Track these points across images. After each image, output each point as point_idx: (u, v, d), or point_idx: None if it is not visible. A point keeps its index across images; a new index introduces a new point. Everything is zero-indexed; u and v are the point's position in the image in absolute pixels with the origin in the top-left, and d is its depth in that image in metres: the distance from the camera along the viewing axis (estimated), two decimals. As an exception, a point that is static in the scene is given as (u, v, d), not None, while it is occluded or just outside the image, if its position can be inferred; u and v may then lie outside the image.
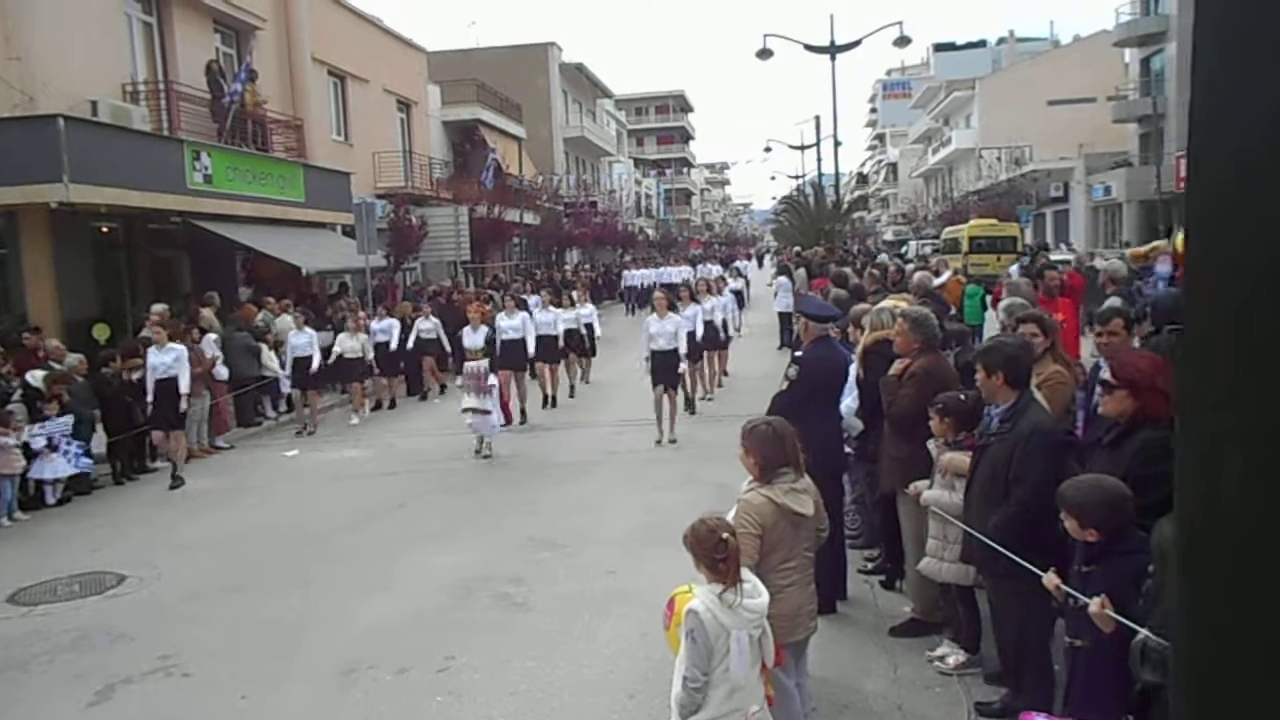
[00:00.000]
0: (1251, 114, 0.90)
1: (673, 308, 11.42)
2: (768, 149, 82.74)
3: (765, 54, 24.10)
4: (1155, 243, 21.10)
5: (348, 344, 13.73)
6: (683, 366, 11.15)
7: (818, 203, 34.45)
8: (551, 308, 14.23)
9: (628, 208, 55.22)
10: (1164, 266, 10.70)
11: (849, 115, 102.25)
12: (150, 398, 10.37)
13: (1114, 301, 7.15)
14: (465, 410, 10.66)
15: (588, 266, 36.58)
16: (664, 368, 10.90)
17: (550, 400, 13.81)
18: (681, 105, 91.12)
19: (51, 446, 9.57)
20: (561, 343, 14.26)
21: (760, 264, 53.33)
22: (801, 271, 18.70)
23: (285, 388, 13.56)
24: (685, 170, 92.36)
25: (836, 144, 31.36)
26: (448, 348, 14.79)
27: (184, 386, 10.36)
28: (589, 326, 15.30)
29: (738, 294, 22.39)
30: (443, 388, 15.54)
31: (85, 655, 5.86)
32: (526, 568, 6.98)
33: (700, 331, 12.48)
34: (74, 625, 6.36)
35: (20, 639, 6.17)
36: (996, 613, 4.47)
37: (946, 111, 59.28)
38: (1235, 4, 0.94)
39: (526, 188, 34.32)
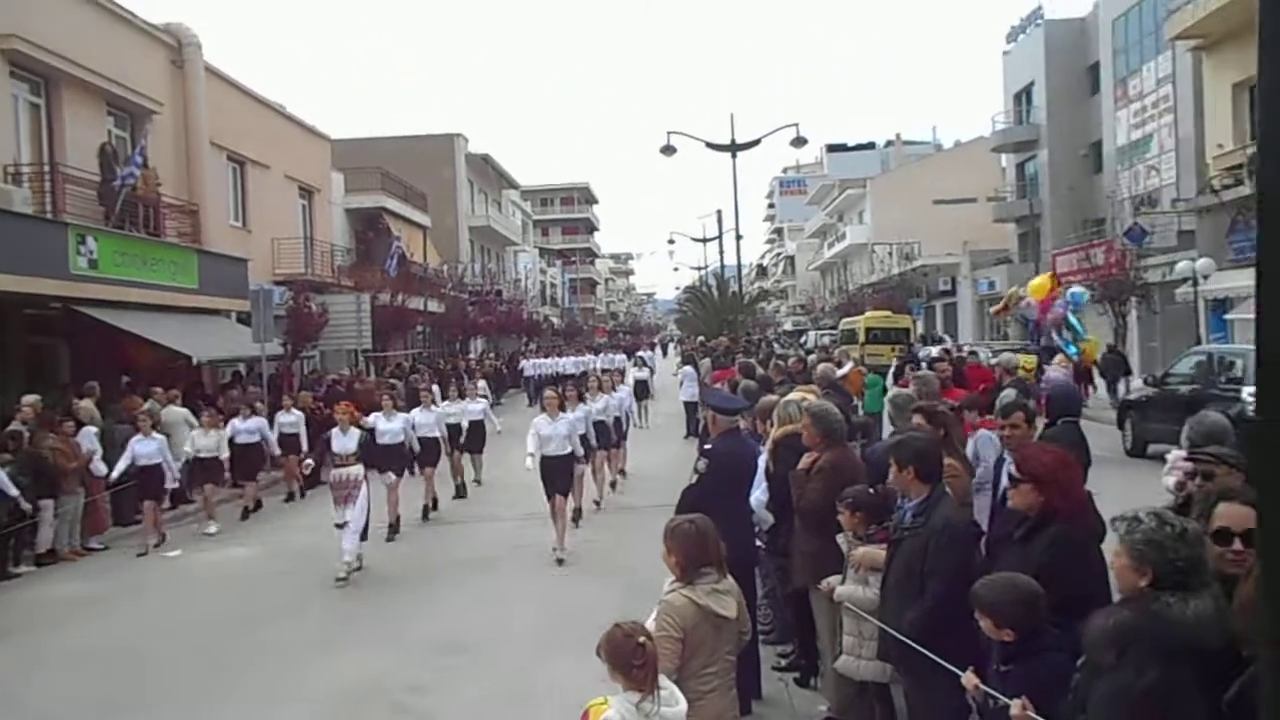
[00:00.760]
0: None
1: (563, 407, 10.37)
2: (671, 241, 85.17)
3: (669, 150, 24.81)
4: (1011, 290, 21.88)
5: (201, 442, 12.31)
6: (580, 469, 10.33)
7: (720, 294, 35.21)
8: (433, 407, 13.15)
9: (533, 296, 55.36)
10: (1056, 373, 11.22)
11: (749, 209, 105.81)
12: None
13: (1010, 394, 7.40)
14: (338, 526, 9.41)
15: (492, 355, 36.28)
16: (556, 474, 9.84)
17: (431, 505, 12.49)
18: (586, 197, 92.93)
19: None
20: (446, 442, 13.23)
21: (665, 353, 53.93)
22: (706, 361, 18.90)
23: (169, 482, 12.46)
24: (590, 260, 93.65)
25: (738, 237, 32.39)
26: (303, 446, 13.47)
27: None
28: (475, 424, 14.09)
29: (643, 384, 22.50)
30: (303, 491, 14.11)
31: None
32: (427, 673, 6.62)
33: (591, 433, 11.57)
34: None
35: None
36: (914, 710, 4.40)
37: (840, 208, 61.99)
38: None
39: (431, 276, 34.07)
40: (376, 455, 11.25)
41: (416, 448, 12.09)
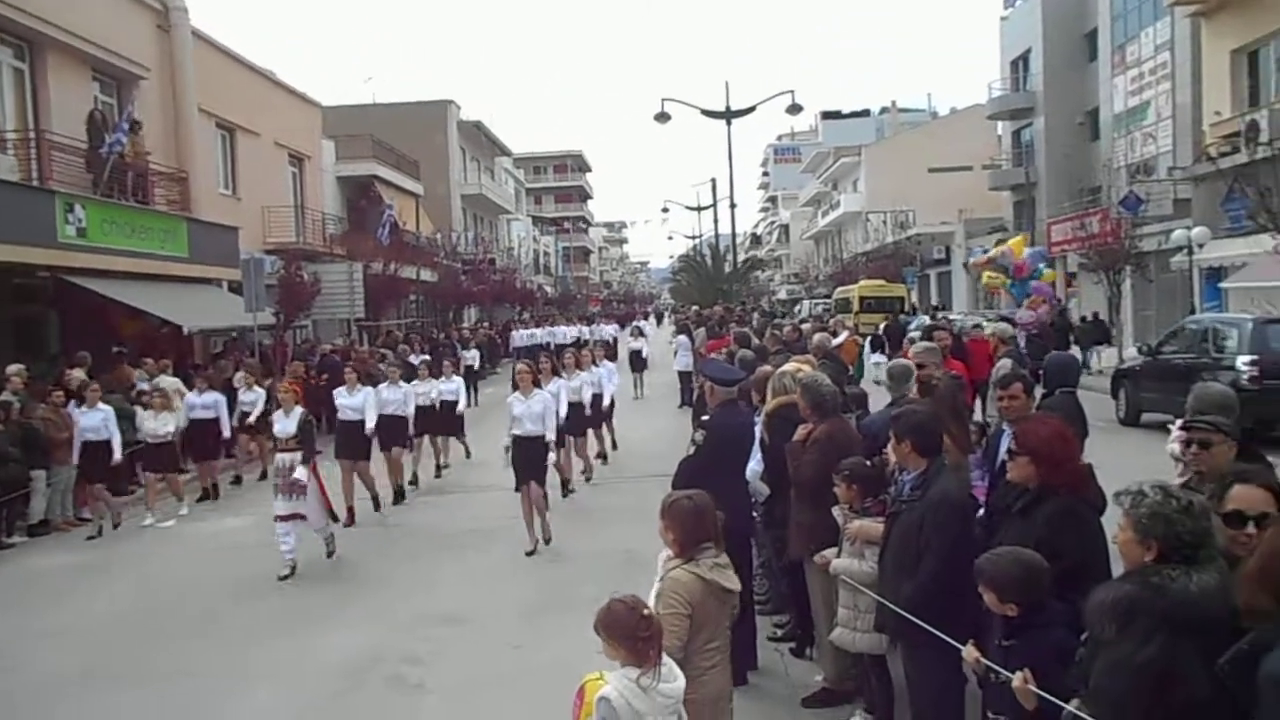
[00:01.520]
0: None
1: (538, 383, 9.40)
2: (665, 209, 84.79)
3: (663, 117, 24.57)
4: (996, 249, 21.79)
5: (148, 425, 11.25)
6: (551, 456, 9.29)
7: (715, 262, 35.11)
8: (402, 383, 11.77)
9: (526, 265, 55.15)
10: (1026, 314, 11.14)
11: (743, 178, 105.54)
12: None
13: (1005, 364, 7.37)
14: (278, 519, 8.53)
15: (486, 324, 36.12)
16: (528, 457, 8.93)
17: (398, 494, 11.41)
18: (580, 165, 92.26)
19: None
20: (411, 425, 11.86)
21: (659, 322, 53.81)
22: (701, 331, 18.85)
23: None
24: (584, 228, 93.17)
25: (732, 206, 32.17)
26: (225, 429, 12.48)
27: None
28: (447, 404, 12.96)
29: (638, 354, 22.43)
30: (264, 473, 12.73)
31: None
32: (423, 646, 6.61)
33: (564, 411, 10.48)
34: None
35: None
36: (911, 682, 4.41)
37: (835, 176, 61.63)
38: None
39: (424, 245, 33.84)
40: (338, 435, 10.74)
41: (369, 427, 10.63)
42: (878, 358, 17.41)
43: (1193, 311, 20.15)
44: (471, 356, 23.19)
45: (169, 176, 18.27)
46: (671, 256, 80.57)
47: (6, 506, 10.37)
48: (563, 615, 6.90)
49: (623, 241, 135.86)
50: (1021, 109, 36.44)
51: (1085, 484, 3.90)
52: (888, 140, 57.70)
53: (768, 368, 7.12)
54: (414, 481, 12.14)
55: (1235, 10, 21.79)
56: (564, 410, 10.33)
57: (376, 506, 10.89)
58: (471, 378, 22.28)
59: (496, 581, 8.15)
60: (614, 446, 14.10)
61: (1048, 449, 3.72)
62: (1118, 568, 2.94)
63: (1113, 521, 2.98)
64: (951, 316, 27.00)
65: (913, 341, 9.62)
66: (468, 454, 13.87)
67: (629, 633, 3.04)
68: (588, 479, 12.12)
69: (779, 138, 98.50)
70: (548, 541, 8.99)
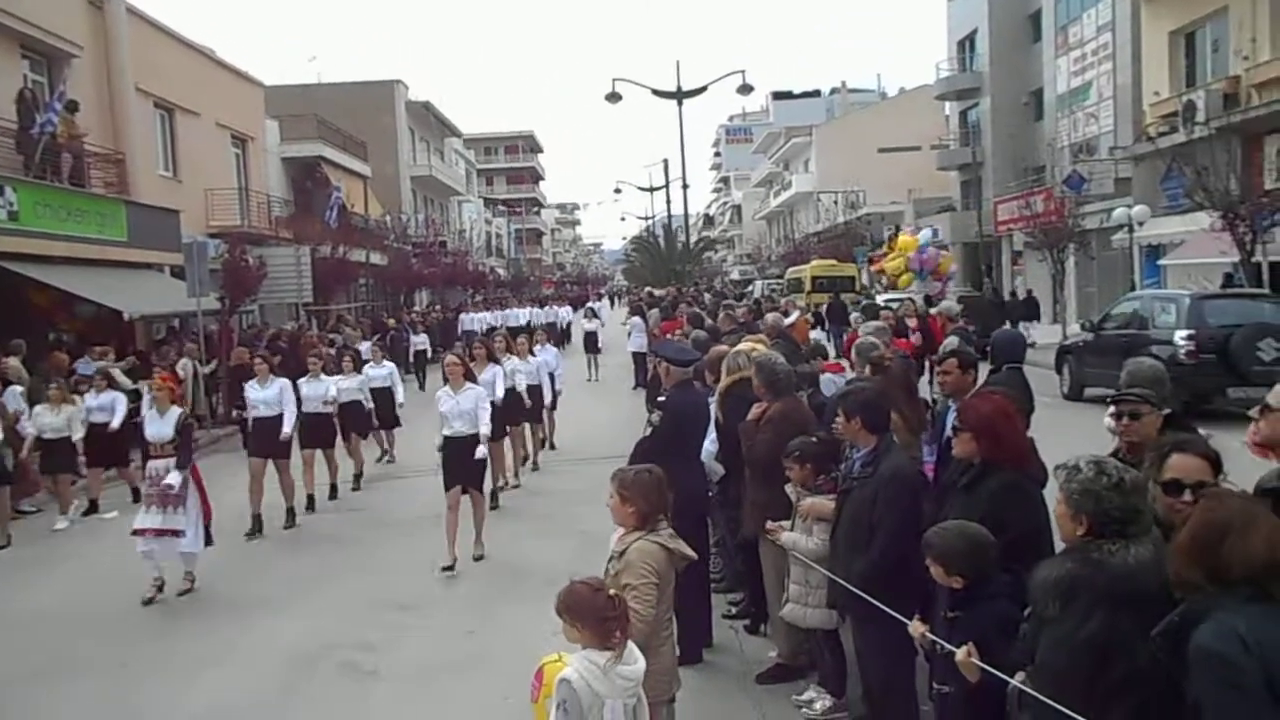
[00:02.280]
0: None
1: (470, 375, 8.44)
2: (617, 190, 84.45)
3: (614, 97, 24.46)
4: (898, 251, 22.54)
5: (46, 420, 10.32)
6: (481, 451, 8.12)
7: (668, 244, 35.13)
8: (324, 375, 10.80)
9: (478, 248, 54.60)
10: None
11: (695, 158, 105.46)
12: None
13: (952, 341, 7.50)
14: (137, 532, 7.41)
15: (438, 307, 35.74)
16: (460, 459, 8.00)
17: (309, 502, 10.21)
18: (531, 145, 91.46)
19: None
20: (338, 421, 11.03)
21: (613, 304, 53.68)
22: (655, 312, 18.85)
23: None
24: (536, 210, 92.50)
25: (685, 187, 32.19)
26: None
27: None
28: (379, 391, 11.95)
29: (592, 336, 22.39)
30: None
31: None
32: (375, 632, 6.56)
33: (500, 397, 9.66)
34: None
35: None
36: (862, 656, 4.48)
37: (786, 156, 61.90)
38: None
39: (373, 227, 33.34)
40: (253, 434, 9.71)
41: (288, 427, 9.64)
42: (816, 334, 17.69)
43: (1133, 288, 20.68)
44: (421, 341, 22.94)
45: (105, 158, 17.73)
46: (625, 238, 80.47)
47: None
48: (517, 599, 6.90)
49: (575, 223, 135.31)
50: (968, 89, 36.90)
51: (1027, 458, 3.99)
52: (838, 120, 58.09)
53: (723, 347, 7.15)
54: (310, 504, 10.39)
55: (1174, -8, 22.25)
56: (499, 394, 9.61)
57: (333, 494, 10.75)
58: (421, 363, 22.07)
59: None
60: (550, 446, 12.89)
61: (988, 425, 3.79)
62: (1060, 540, 3.01)
63: (1054, 494, 3.05)
64: (901, 296, 27.33)
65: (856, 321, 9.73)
66: (383, 454, 12.67)
67: (596, 614, 3.03)
68: (514, 485, 10.84)
69: (730, 118, 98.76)
70: (478, 558, 7.94)
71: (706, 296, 23.00)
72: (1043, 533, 3.61)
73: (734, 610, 6.37)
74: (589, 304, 28.60)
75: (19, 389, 11.29)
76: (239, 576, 8.13)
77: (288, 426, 9.53)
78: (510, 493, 10.65)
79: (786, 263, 46.80)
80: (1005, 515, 3.54)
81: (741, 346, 6.58)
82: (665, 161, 37.94)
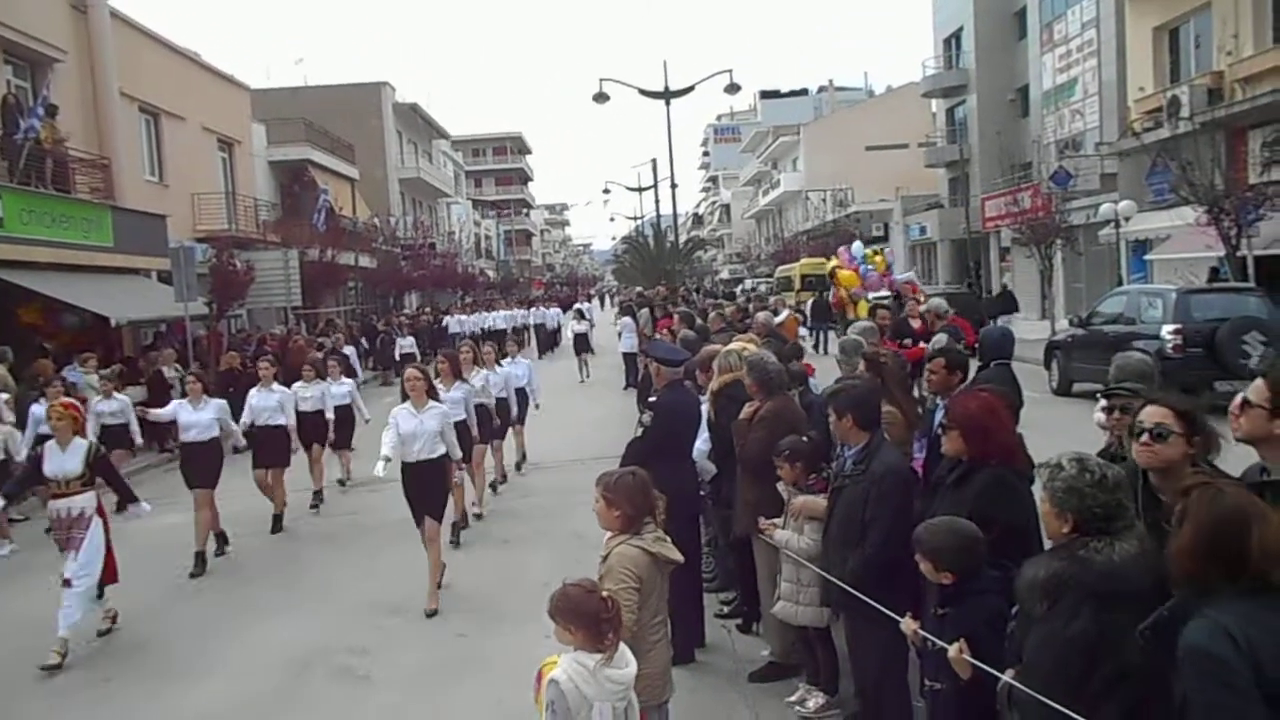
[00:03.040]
0: None
1: (433, 392, 7.47)
2: (606, 191, 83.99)
3: (602, 98, 24.43)
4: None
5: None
6: (458, 475, 7.57)
7: (657, 243, 35.10)
8: (277, 385, 9.92)
9: (467, 249, 54.51)
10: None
11: (683, 158, 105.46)
12: None
13: (941, 339, 7.52)
14: (67, 582, 6.38)
15: (428, 310, 35.66)
16: (425, 487, 7.10)
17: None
18: (519, 147, 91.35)
19: None
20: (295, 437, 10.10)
21: (603, 305, 53.60)
22: (645, 311, 18.86)
23: None
24: (525, 211, 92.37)
25: (673, 186, 32.13)
26: (136, 436, 10.95)
27: None
28: (340, 411, 11.11)
29: (583, 337, 22.36)
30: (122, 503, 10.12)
31: None
32: (369, 636, 6.54)
33: (472, 419, 9.06)
34: None
35: None
36: (854, 653, 4.49)
37: (774, 155, 61.97)
38: None
39: (361, 230, 33.24)
40: (182, 463, 8.76)
41: (240, 442, 9.08)
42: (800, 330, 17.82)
43: (1120, 283, 20.77)
44: (409, 344, 22.88)
45: (90, 163, 17.63)
46: (614, 238, 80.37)
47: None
48: (510, 601, 6.89)
49: (565, 224, 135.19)
50: (954, 87, 37.00)
51: (1015, 455, 4.00)
52: (826, 119, 58.18)
53: (715, 347, 7.16)
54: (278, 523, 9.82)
55: (1157, -12, 22.36)
56: (472, 416, 9.00)
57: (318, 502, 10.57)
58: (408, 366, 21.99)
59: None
60: (516, 468, 11.83)
61: (976, 422, 3.81)
62: (1047, 537, 3.03)
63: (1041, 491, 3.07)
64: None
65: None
66: (341, 480, 11.64)
67: (591, 616, 3.03)
68: (477, 516, 9.62)
69: (719, 118, 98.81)
70: (432, 614, 6.87)
71: (698, 296, 23.00)
72: (1031, 528, 3.62)
73: (726, 609, 6.38)
74: (578, 305, 28.43)
75: (5, 396, 11.23)
76: (234, 582, 8.10)
77: (240, 440, 9.01)
78: (501, 496, 10.63)
79: (776, 261, 46.86)
80: (993, 511, 3.56)
81: (732, 346, 6.58)
82: (654, 161, 37.90)
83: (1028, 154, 29.90)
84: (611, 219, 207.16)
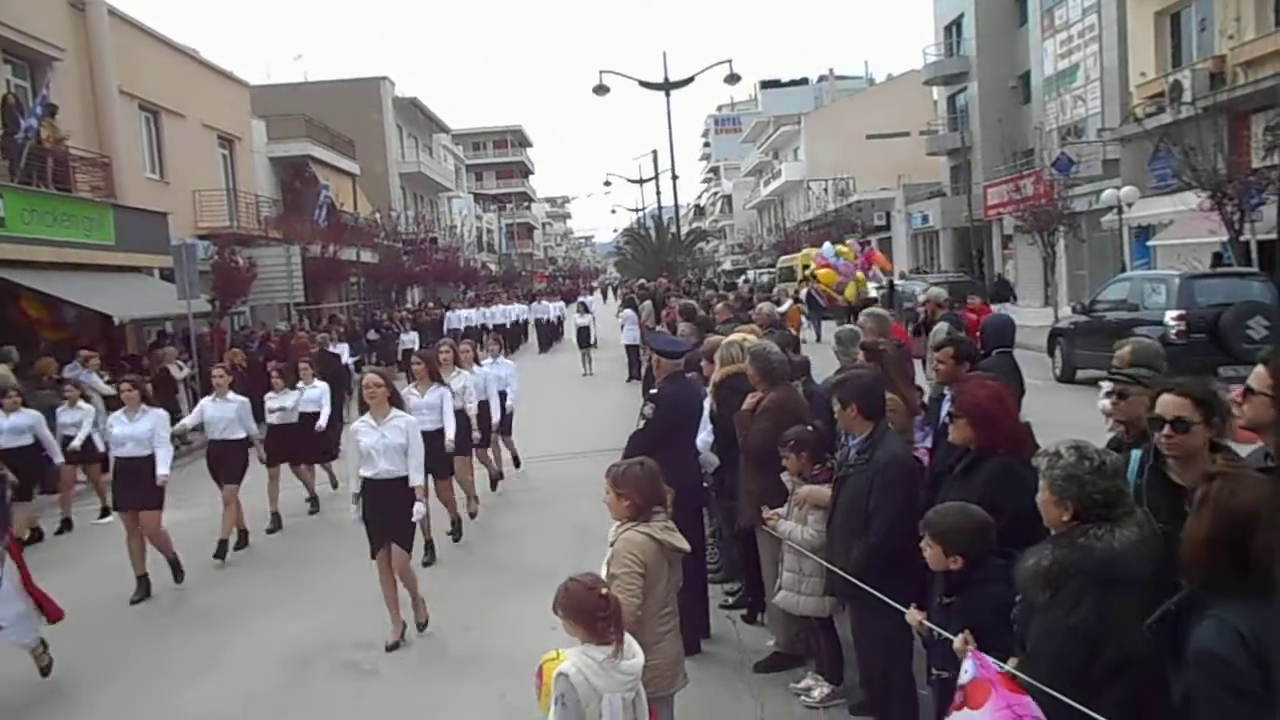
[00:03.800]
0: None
1: (396, 400, 6.47)
2: (607, 183, 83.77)
3: (601, 90, 24.39)
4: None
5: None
6: (419, 509, 6.29)
7: (659, 235, 35.07)
8: (232, 394, 8.89)
9: (469, 243, 54.48)
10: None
11: (684, 149, 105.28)
12: None
13: (942, 328, 7.51)
14: None
15: (431, 304, 35.66)
16: (385, 508, 6.19)
17: (221, 548, 8.49)
18: (520, 140, 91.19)
19: None
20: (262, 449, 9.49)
21: (604, 298, 53.50)
22: (647, 303, 18.85)
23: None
24: (526, 204, 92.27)
25: (674, 178, 32.10)
26: (99, 445, 10.07)
27: None
28: (309, 419, 10.07)
29: (585, 330, 22.38)
30: (105, 510, 9.95)
31: None
32: (375, 630, 6.55)
33: (451, 428, 8.21)
34: None
35: None
36: (860, 642, 4.50)
37: (775, 145, 61.83)
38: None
39: (363, 225, 33.24)
40: (114, 480, 7.95)
41: (164, 468, 7.62)
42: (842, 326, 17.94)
43: (1123, 269, 20.72)
44: (411, 339, 22.92)
45: (91, 162, 17.63)
46: (616, 230, 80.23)
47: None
48: (516, 594, 6.90)
49: (566, 216, 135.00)
50: (956, 74, 36.87)
51: (1023, 443, 3.99)
52: (826, 108, 57.99)
53: (717, 337, 7.16)
54: (243, 539, 9.09)
55: (1158, -27, 22.25)
56: (450, 426, 8.19)
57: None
58: (411, 362, 21.99)
59: (448, 562, 8.10)
60: (516, 464, 11.28)
61: (984, 411, 3.80)
62: (1047, 526, 3.02)
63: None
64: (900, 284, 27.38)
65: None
66: (334, 484, 10.86)
67: (588, 613, 3.06)
68: (454, 538, 8.73)
69: (719, 108, 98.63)
70: (422, 626, 6.38)
71: (698, 287, 23.03)
72: (1038, 517, 3.62)
73: (731, 600, 6.39)
74: (581, 299, 28.38)
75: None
76: (239, 577, 8.13)
77: (163, 467, 7.58)
78: (509, 486, 10.64)
79: (778, 252, 46.79)
80: (1001, 500, 3.55)
81: (734, 337, 6.58)
82: (655, 153, 37.87)
83: (1030, 141, 29.81)
84: (613, 211, 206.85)
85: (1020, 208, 25.70)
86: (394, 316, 28.09)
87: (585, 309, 23.73)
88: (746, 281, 34.78)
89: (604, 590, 3.11)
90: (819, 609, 4.76)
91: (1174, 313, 12.76)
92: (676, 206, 34.60)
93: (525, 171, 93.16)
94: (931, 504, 3.72)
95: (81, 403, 10.60)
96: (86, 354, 13.39)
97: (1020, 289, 30.35)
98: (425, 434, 7.17)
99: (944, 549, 3.31)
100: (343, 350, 16.24)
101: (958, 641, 3.01)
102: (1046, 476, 2.84)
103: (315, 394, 10.25)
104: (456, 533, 8.61)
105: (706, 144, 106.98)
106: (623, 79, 25.11)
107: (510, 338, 30.57)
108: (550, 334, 30.57)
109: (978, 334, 7.02)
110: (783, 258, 40.79)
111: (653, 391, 6.01)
